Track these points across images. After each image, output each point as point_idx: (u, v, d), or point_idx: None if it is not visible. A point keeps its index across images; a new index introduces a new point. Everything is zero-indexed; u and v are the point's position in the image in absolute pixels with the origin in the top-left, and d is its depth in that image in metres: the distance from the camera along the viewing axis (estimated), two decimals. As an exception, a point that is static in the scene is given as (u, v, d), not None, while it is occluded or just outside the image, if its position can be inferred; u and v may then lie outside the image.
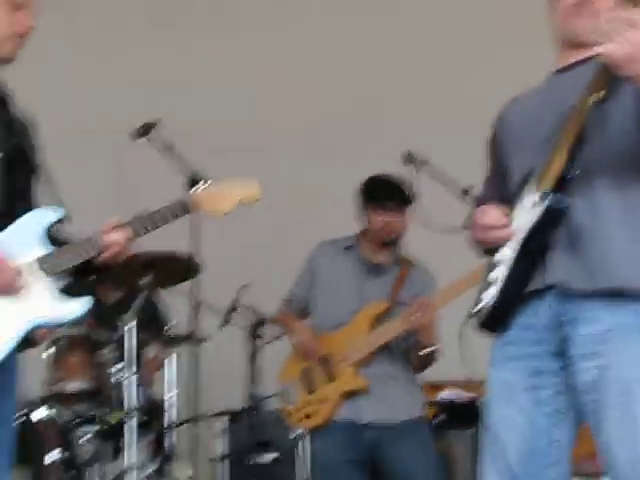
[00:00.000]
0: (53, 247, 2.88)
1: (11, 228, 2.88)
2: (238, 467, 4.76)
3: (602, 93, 2.35)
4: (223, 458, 4.84)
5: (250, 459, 4.66)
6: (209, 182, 3.07)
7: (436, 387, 4.76)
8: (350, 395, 4.21)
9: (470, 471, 4.47)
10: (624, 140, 2.49)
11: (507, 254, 2.54)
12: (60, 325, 3.23)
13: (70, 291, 2.91)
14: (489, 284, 2.61)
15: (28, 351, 3.61)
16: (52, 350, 4.78)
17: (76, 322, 3.06)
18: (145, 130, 4.34)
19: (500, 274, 2.57)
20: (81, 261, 2.86)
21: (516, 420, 2.57)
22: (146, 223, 2.89)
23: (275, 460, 4.65)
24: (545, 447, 2.57)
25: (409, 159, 4.04)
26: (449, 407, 4.66)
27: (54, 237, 2.93)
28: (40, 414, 4.43)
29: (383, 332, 4.21)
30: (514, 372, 2.59)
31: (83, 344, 4.74)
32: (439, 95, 6.11)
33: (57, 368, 4.72)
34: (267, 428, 4.77)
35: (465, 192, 3.96)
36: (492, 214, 2.58)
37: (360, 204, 4.37)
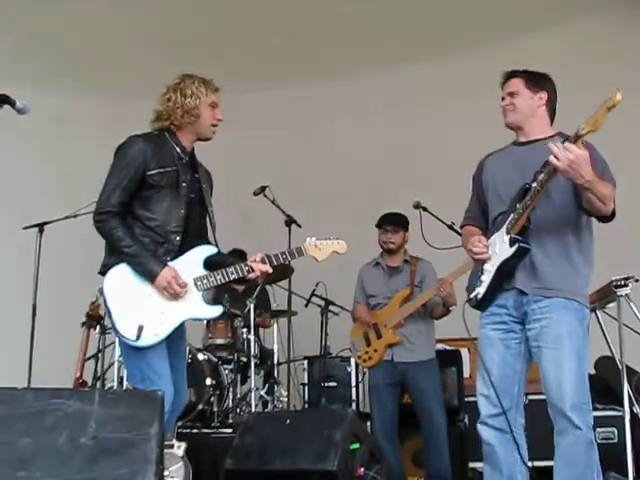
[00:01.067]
0: (206, 271, 3.66)
1: (184, 256, 3.65)
2: (314, 390, 6.24)
3: (547, 179, 3.21)
4: (305, 385, 6.33)
5: (321, 385, 6.13)
6: (314, 238, 3.86)
7: None
8: (391, 346, 5.37)
9: (453, 391, 5.70)
10: (561, 206, 3.37)
11: (489, 267, 3.45)
12: (202, 319, 4.20)
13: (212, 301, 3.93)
14: (480, 282, 3.48)
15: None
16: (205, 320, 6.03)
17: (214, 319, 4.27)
18: (261, 190, 5.88)
19: (486, 278, 3.48)
20: (225, 281, 3.65)
21: (494, 357, 3.46)
22: (276, 259, 3.75)
23: (335, 386, 6.14)
24: (511, 373, 3.46)
25: (417, 205, 5.48)
26: (440, 354, 5.68)
27: (211, 263, 3.70)
28: (201, 356, 5.86)
29: (407, 307, 5.39)
30: (494, 331, 3.50)
31: (225, 316, 6.07)
32: (433, 170, 7.57)
33: (210, 330, 6.24)
34: (331, 367, 6.21)
35: (450, 226, 5.38)
36: (481, 243, 3.45)
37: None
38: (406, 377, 5.38)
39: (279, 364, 6.37)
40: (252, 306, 6.12)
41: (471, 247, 3.52)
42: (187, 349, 5.31)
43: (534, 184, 3.30)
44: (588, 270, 3.48)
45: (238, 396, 6.10)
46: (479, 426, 3.50)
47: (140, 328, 3.47)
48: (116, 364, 5.92)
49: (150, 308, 3.54)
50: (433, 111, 7.78)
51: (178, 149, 3.69)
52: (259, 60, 7.80)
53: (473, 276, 3.63)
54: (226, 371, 6.08)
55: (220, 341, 6.22)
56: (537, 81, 3.58)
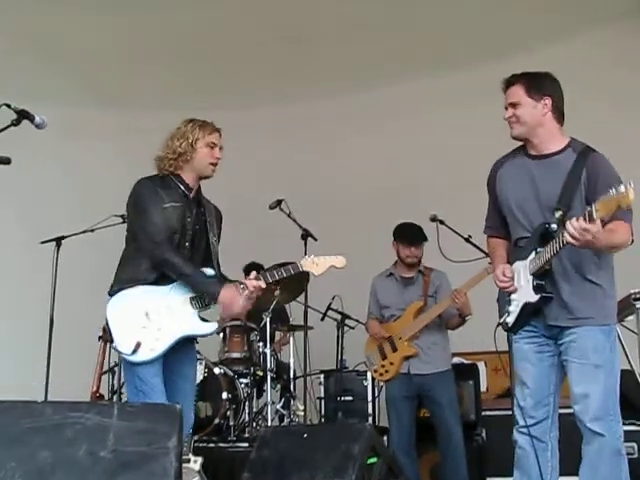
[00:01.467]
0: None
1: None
2: (331, 404, 6.22)
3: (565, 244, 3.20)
4: (321, 399, 6.30)
5: (337, 399, 6.11)
6: (312, 255, 4.08)
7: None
8: (407, 358, 5.38)
9: (470, 405, 5.66)
10: (581, 252, 3.36)
11: (516, 298, 3.47)
12: (198, 336, 4.04)
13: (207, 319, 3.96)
14: (508, 312, 3.51)
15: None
16: (222, 334, 6.31)
17: (206, 336, 4.03)
18: (277, 204, 5.78)
19: (514, 309, 3.49)
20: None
21: (529, 369, 3.48)
22: (271, 276, 3.95)
23: (352, 400, 6.10)
24: (547, 385, 3.47)
25: (433, 218, 5.47)
26: (457, 367, 5.73)
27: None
28: (217, 370, 5.88)
29: (423, 319, 5.39)
30: (528, 344, 3.52)
31: (241, 330, 6.28)
32: (449, 181, 7.61)
33: (226, 344, 6.29)
34: (347, 381, 6.18)
35: (467, 239, 5.42)
36: (506, 275, 3.45)
37: (394, 241, 5.56)
38: (423, 389, 5.38)
39: (295, 378, 6.37)
40: (268, 320, 6.15)
41: (498, 277, 3.52)
42: (203, 363, 5.41)
43: (553, 226, 3.32)
44: (613, 290, 3.48)
45: (254, 410, 6.15)
46: (515, 432, 3.52)
47: (138, 344, 3.74)
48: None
49: (148, 326, 3.80)
50: (449, 120, 7.79)
51: (182, 187, 4.00)
52: (268, 72, 7.85)
53: (501, 299, 3.63)
54: (242, 385, 6.10)
55: (236, 355, 6.29)
56: (539, 86, 3.46)
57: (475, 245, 5.28)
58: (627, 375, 5.02)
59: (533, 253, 3.40)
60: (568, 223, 3.13)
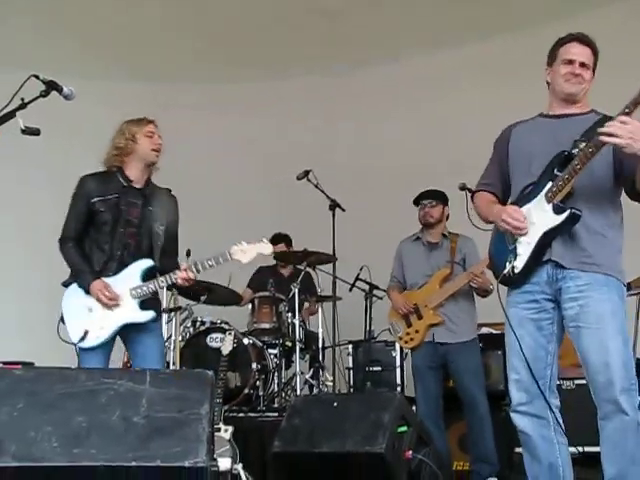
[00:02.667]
0: (141, 282, 4.20)
1: (125, 270, 4.22)
2: (359, 374, 6.23)
3: (594, 151, 3.14)
4: (350, 369, 6.34)
5: (365, 369, 6.12)
6: (244, 243, 4.20)
7: (478, 326, 5.66)
8: (432, 326, 5.38)
9: (498, 375, 5.66)
10: (600, 178, 3.30)
11: (526, 240, 3.30)
12: (137, 324, 4.19)
13: (145, 306, 4.21)
14: (515, 256, 3.33)
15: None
16: (250, 305, 6.46)
17: (146, 323, 4.19)
18: (304, 174, 5.94)
19: (524, 251, 3.31)
20: (154, 290, 4.21)
21: (525, 338, 3.34)
22: (202, 266, 4.18)
23: (380, 371, 6.10)
24: (544, 355, 3.35)
25: (462, 187, 5.19)
26: (485, 337, 5.74)
27: (150, 275, 4.22)
28: (246, 341, 5.95)
29: (448, 287, 5.38)
30: (526, 310, 3.35)
31: (270, 301, 6.33)
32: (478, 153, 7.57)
33: (255, 315, 6.38)
34: (376, 351, 6.17)
35: None
36: (520, 215, 3.31)
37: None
38: (447, 359, 5.38)
39: (324, 348, 6.41)
40: (297, 290, 6.18)
41: (508, 219, 3.33)
42: (232, 334, 5.43)
43: (576, 150, 3.21)
44: (621, 246, 3.38)
45: (283, 380, 6.16)
46: (512, 414, 3.42)
47: (85, 332, 4.08)
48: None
49: (93, 316, 4.14)
50: (485, 94, 7.69)
51: (121, 179, 4.28)
52: (298, 44, 7.79)
53: (498, 252, 3.50)
54: (271, 355, 6.15)
55: (265, 325, 6.33)
56: (597, 60, 3.48)
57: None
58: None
59: (549, 183, 3.29)
60: (608, 122, 3.07)
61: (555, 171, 3.27)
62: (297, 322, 6.20)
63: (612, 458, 3.21)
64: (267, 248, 4.28)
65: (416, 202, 5.63)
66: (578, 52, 3.41)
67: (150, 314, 4.25)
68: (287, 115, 8.11)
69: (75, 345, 4.11)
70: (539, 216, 3.28)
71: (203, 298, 6.07)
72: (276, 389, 6.08)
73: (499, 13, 7.30)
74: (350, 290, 6.37)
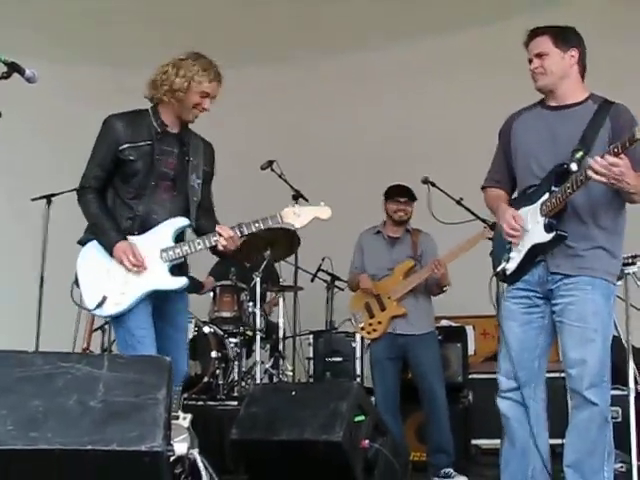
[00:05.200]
0: (174, 243, 3.67)
1: (154, 229, 3.68)
2: (319, 365, 6.22)
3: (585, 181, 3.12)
4: (310, 359, 6.34)
5: (326, 360, 6.14)
6: (296, 205, 3.78)
7: (438, 318, 5.85)
8: (395, 318, 5.38)
9: (457, 367, 5.70)
10: (597, 190, 3.26)
11: (520, 244, 3.36)
12: (167, 291, 3.70)
13: (176, 272, 3.70)
14: (509, 259, 3.42)
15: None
16: (212, 293, 6.38)
17: (177, 291, 3.72)
18: (268, 164, 5.86)
19: (516, 256, 3.40)
20: (188, 253, 3.68)
21: (515, 330, 3.42)
22: (248, 228, 3.67)
23: (340, 361, 6.12)
24: (532, 347, 3.41)
25: (425, 180, 5.37)
26: (445, 330, 5.87)
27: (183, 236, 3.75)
28: (207, 329, 5.90)
29: (412, 279, 5.39)
30: (517, 304, 3.44)
31: (231, 290, 6.30)
32: (442, 145, 7.63)
33: (216, 303, 6.32)
34: (336, 341, 6.20)
35: (458, 201, 5.31)
36: (517, 222, 3.34)
37: (384, 201, 5.57)
38: (407, 350, 5.40)
39: (285, 338, 6.40)
40: (258, 280, 6.13)
41: (506, 225, 3.39)
42: (193, 322, 5.42)
43: (573, 165, 3.22)
44: (619, 253, 3.41)
45: (243, 369, 6.15)
46: (498, 399, 3.47)
47: (104, 298, 3.56)
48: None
49: (113, 280, 3.61)
50: (446, 85, 7.77)
51: (156, 124, 3.73)
52: (263, 31, 7.79)
53: (498, 247, 3.55)
54: (231, 344, 6.11)
55: (226, 314, 6.28)
56: (566, 38, 3.37)
57: (467, 208, 5.25)
58: (613, 340, 5.07)
59: (546, 194, 3.30)
60: (591, 159, 3.06)
61: (552, 187, 3.29)
62: (258, 311, 6.15)
63: (573, 445, 3.30)
64: (326, 212, 3.75)
65: (389, 196, 5.60)
66: (531, 47, 3.39)
67: (182, 280, 3.72)
68: (251, 103, 8.07)
69: (90, 312, 3.68)
70: (533, 226, 3.34)
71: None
72: (236, 378, 6.06)
73: (472, 4, 7.41)
74: (312, 281, 6.45)
